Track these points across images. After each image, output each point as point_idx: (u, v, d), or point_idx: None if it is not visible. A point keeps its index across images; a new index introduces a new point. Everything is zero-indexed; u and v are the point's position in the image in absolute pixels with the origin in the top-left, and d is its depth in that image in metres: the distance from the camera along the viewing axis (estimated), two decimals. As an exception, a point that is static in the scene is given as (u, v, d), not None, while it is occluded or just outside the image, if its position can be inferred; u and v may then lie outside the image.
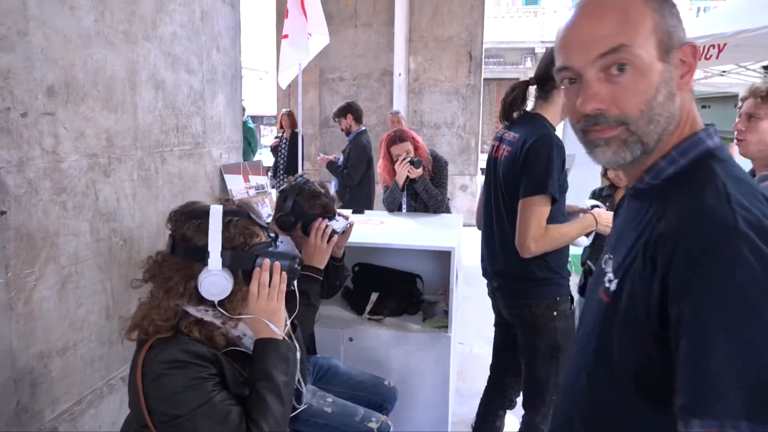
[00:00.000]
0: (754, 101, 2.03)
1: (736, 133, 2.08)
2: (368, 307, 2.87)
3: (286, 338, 1.32)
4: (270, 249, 1.31)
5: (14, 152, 1.44)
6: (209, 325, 1.25)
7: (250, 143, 8.38)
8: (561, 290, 2.01)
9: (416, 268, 3.12)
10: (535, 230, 1.86)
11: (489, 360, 3.95)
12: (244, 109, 8.90)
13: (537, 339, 2.04)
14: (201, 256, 1.22)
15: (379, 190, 5.73)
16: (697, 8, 17.32)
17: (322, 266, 1.89)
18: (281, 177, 6.98)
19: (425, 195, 3.43)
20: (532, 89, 2.01)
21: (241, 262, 1.27)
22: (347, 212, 3.60)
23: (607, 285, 0.80)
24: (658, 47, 0.77)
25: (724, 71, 6.06)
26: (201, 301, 1.25)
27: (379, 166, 3.54)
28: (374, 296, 2.90)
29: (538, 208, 1.86)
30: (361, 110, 5.12)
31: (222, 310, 1.26)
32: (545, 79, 1.95)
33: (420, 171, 3.33)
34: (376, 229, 3.07)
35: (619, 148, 0.79)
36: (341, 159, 5.01)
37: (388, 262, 3.11)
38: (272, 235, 1.36)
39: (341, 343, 2.71)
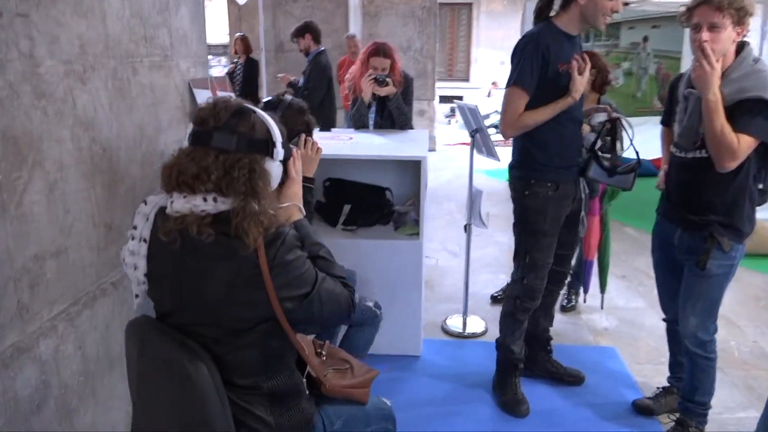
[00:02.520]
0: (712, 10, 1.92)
1: (696, 49, 1.96)
2: (341, 219, 2.96)
3: None
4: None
5: (-7, 53, 1.43)
6: (277, 215, 1.30)
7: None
8: (536, 174, 2.37)
9: (385, 181, 3.21)
10: (508, 116, 2.28)
11: (454, 271, 4.15)
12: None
13: (514, 209, 2.48)
14: (265, 149, 1.27)
15: (341, 114, 5.74)
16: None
17: (311, 174, 2.02)
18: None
19: (396, 112, 3.47)
20: None
21: (287, 152, 1.38)
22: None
23: None
24: None
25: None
26: None
27: (352, 71, 3.53)
28: (346, 208, 3.00)
29: (510, 98, 2.27)
30: (320, 30, 5.04)
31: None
32: None
33: (389, 89, 3.36)
34: (346, 144, 3.12)
35: None
36: (301, 80, 4.96)
37: (357, 176, 3.19)
38: None
39: (317, 252, 2.81)
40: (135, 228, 1.28)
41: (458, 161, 8.19)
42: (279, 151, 1.29)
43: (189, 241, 1.19)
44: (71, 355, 1.77)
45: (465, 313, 3.30)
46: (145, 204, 1.28)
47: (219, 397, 1.20)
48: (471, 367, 2.88)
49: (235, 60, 7.06)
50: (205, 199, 1.20)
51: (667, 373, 2.62)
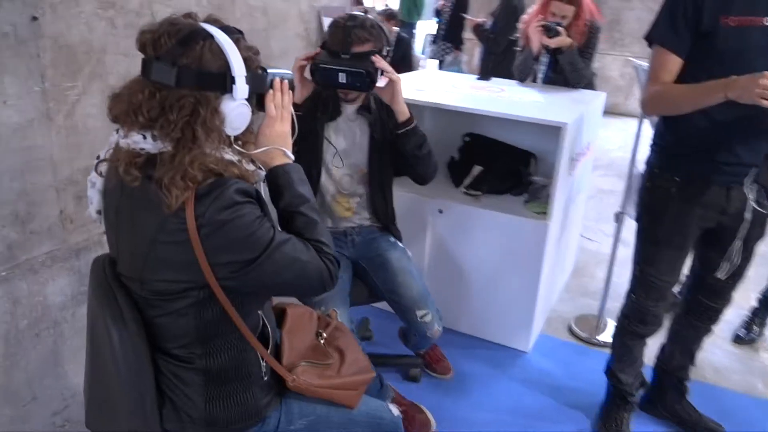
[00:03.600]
0: None
1: None
2: (467, 181, 2.63)
3: None
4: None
5: (48, -45, 1.38)
6: (232, 164, 1.09)
7: (416, 3, 8.02)
8: (660, 162, 1.82)
9: (533, 146, 2.77)
10: (649, 83, 1.72)
11: (614, 262, 3.54)
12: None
13: (636, 202, 2.00)
14: (221, 84, 1.05)
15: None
16: None
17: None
18: (441, 44, 6.55)
19: (569, 68, 2.95)
20: None
21: (259, 85, 1.13)
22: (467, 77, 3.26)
23: None
24: None
25: None
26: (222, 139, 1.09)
27: (530, 12, 3.04)
28: (476, 170, 2.66)
29: (652, 60, 1.72)
30: (518, -34, 4.49)
31: (239, 147, 1.13)
32: None
33: (560, 40, 2.84)
34: (492, 96, 2.73)
35: None
36: (490, 23, 4.53)
37: (504, 136, 2.79)
38: None
39: (429, 214, 2.54)
40: (98, 158, 1.15)
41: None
42: (240, 88, 1.04)
43: (124, 183, 1.04)
44: (120, 272, 1.80)
45: (601, 316, 2.78)
46: (117, 133, 1.13)
47: (137, 364, 1.06)
48: (583, 382, 2.41)
49: (449, -4, 6.75)
50: (144, 137, 1.02)
51: None
